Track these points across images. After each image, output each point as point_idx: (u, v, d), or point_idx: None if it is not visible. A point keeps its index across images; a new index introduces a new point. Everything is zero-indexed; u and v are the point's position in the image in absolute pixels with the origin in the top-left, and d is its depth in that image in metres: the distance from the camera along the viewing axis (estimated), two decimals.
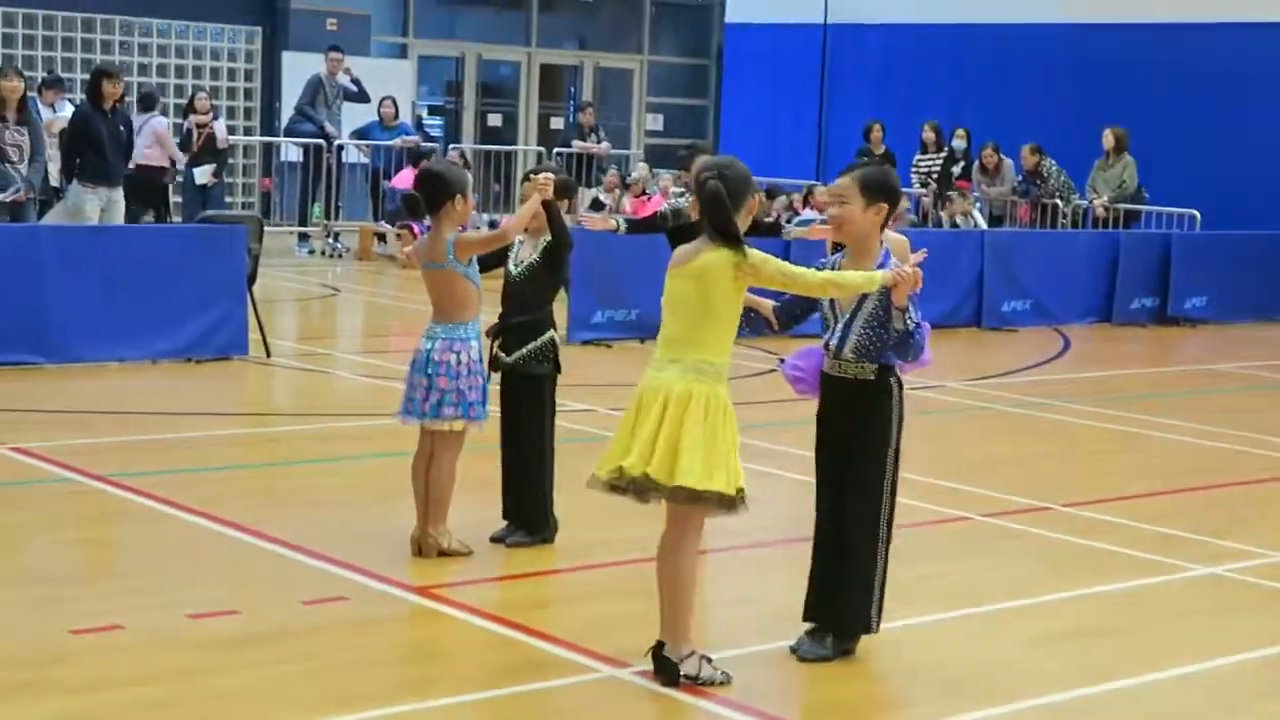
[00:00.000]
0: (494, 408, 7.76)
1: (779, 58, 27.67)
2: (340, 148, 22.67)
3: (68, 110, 17.87)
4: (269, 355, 13.23)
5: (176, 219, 20.11)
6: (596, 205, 21.61)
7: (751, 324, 6.32)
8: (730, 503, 5.87)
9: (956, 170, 21.90)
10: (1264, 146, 22.03)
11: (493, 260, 7.81)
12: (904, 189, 9.36)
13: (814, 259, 6.63)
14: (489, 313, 7.82)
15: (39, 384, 11.75)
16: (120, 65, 20.69)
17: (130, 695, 5.69)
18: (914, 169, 22.10)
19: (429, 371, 7.44)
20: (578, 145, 24.43)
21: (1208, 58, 22.64)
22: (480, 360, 7.54)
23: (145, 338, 12.63)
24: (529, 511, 7.87)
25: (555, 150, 24.86)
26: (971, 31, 25.11)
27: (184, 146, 20.52)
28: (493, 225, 19.79)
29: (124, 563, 7.70)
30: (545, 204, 7.61)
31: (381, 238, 22.21)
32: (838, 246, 6.64)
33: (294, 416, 11.65)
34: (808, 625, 6.40)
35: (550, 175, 7.66)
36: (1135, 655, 6.69)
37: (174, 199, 21.95)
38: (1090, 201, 20.86)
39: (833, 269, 6.29)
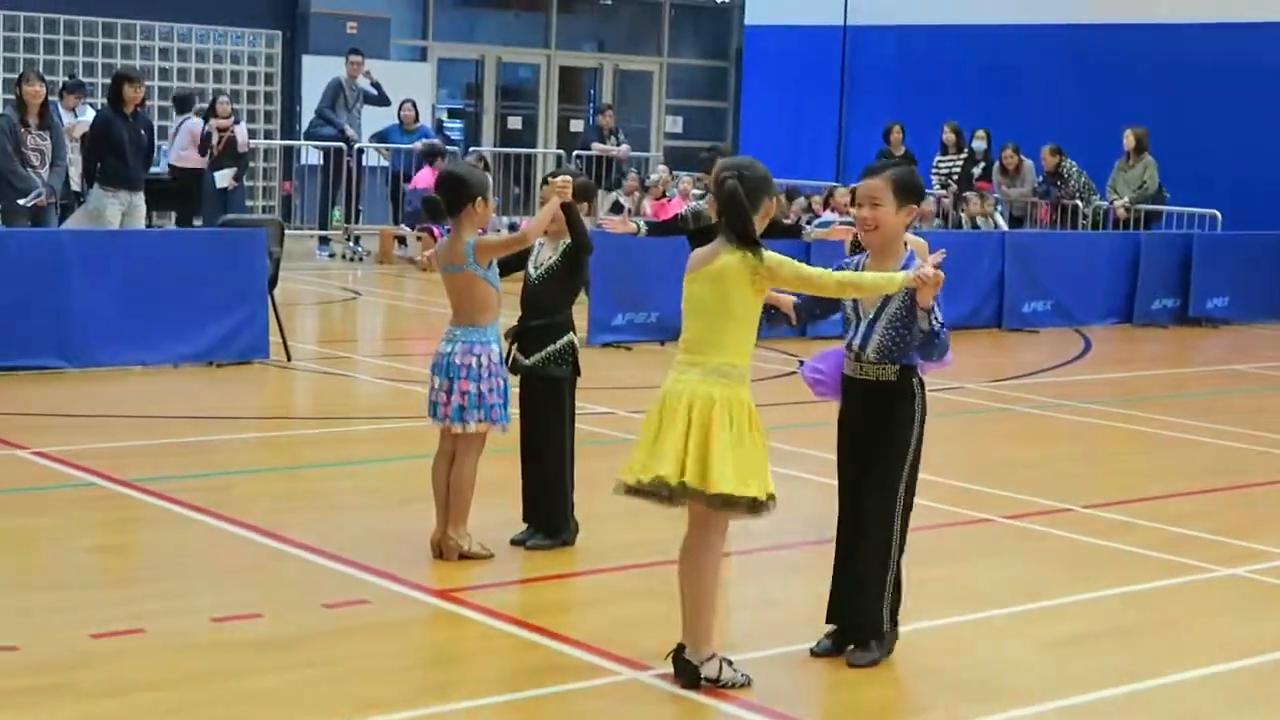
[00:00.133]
0: (514, 410, 7.77)
1: (798, 59, 27.64)
2: (360, 151, 22.71)
3: (89, 115, 17.94)
4: (290, 359, 13.25)
5: (197, 222, 20.15)
6: (616, 208, 21.61)
7: (771, 320, 6.31)
8: (760, 507, 5.87)
9: (977, 171, 21.86)
10: None
11: (513, 263, 7.81)
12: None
13: (835, 260, 6.61)
14: (509, 315, 7.83)
15: (61, 388, 11.78)
16: (141, 70, 20.71)
17: (152, 699, 5.70)
18: (934, 170, 22.06)
19: (450, 375, 7.44)
20: (597, 148, 24.43)
21: (1229, 58, 22.58)
22: (501, 362, 7.55)
23: (166, 342, 12.66)
24: (549, 514, 7.87)
25: (575, 153, 24.87)
26: (991, 32, 25.07)
27: (204, 150, 20.58)
28: (513, 228, 19.84)
29: (145, 567, 7.71)
30: (565, 207, 7.62)
31: (402, 241, 22.24)
32: (856, 248, 6.63)
33: (315, 420, 11.67)
34: (829, 628, 6.40)
35: (569, 178, 7.66)
36: (1157, 657, 6.67)
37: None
38: (1111, 202, 20.81)
39: (856, 270, 6.28)
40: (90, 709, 5.58)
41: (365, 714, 5.59)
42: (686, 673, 5.93)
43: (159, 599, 6.90)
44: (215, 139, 20.77)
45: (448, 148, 22.20)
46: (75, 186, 16.86)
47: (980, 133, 22.06)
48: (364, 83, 22.67)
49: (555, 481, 7.85)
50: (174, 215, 21.77)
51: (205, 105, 21.37)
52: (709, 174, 9.87)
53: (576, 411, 7.99)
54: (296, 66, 25.25)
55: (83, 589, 7.08)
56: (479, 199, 7.50)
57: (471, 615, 6.84)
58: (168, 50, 24.84)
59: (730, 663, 5.98)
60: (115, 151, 15.16)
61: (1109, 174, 21.07)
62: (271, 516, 8.28)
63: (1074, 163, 21.36)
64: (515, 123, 28.92)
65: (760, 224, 5.93)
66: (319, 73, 23.88)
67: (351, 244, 22.61)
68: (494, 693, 5.99)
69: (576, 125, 28.77)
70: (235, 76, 25.37)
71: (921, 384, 6.28)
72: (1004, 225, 20.59)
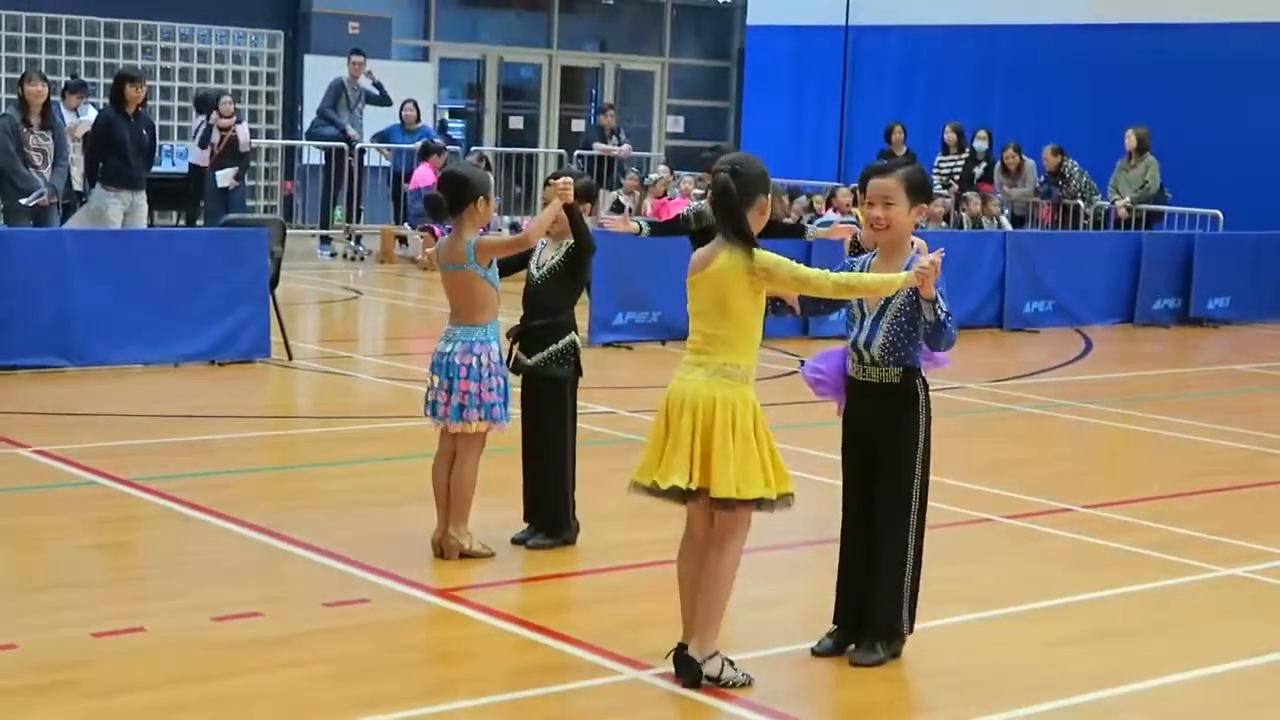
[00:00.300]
0: (515, 410, 7.78)
1: (800, 59, 27.64)
2: (362, 151, 22.72)
3: (91, 114, 17.94)
4: (291, 358, 13.26)
5: (199, 222, 20.17)
6: (617, 207, 21.61)
7: (776, 311, 6.30)
8: (767, 506, 5.88)
9: (978, 171, 21.86)
10: None
11: (514, 263, 7.82)
12: None
13: (836, 259, 6.62)
14: (511, 315, 7.83)
15: (62, 387, 11.78)
16: (143, 69, 20.72)
17: (153, 698, 5.70)
18: (936, 170, 22.05)
19: (450, 374, 7.44)
20: (599, 148, 24.44)
21: (1231, 58, 22.57)
22: (500, 362, 7.55)
23: (168, 341, 12.66)
24: (550, 514, 7.88)
25: (576, 153, 24.88)
26: (993, 32, 25.06)
27: (204, 144, 20.62)
28: (514, 228, 19.91)
29: (146, 565, 7.71)
30: (567, 208, 7.62)
31: (403, 240, 22.25)
32: (855, 249, 6.63)
33: (316, 419, 11.68)
34: (830, 627, 6.40)
35: (570, 180, 7.66)
36: (1159, 656, 6.67)
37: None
38: (1112, 202, 20.81)
39: (863, 268, 6.28)
40: (90, 708, 5.58)
41: (366, 713, 5.60)
42: (689, 669, 5.93)
43: (159, 598, 6.90)
44: (216, 138, 20.77)
45: (447, 147, 22.21)
46: (77, 186, 16.87)
47: (982, 133, 22.06)
48: (365, 83, 22.68)
49: (557, 481, 7.85)
50: (175, 215, 21.83)
51: (189, 106, 21.40)
52: (711, 174, 9.87)
53: (578, 411, 7.99)
54: (298, 66, 25.27)
55: (83, 588, 7.08)
56: (481, 198, 7.50)
57: (472, 614, 6.84)
58: (169, 50, 24.85)
59: (731, 662, 5.98)
60: (117, 151, 15.16)
61: (1110, 174, 21.07)
62: (272, 515, 8.28)
63: (1075, 163, 21.36)
64: (517, 122, 28.93)
65: (757, 221, 5.92)
66: (321, 73, 23.89)
67: (353, 243, 22.62)
68: (494, 692, 6.00)
69: (578, 125, 28.78)
70: (237, 76, 25.38)
71: (926, 385, 6.28)
72: (1008, 226, 20.58)
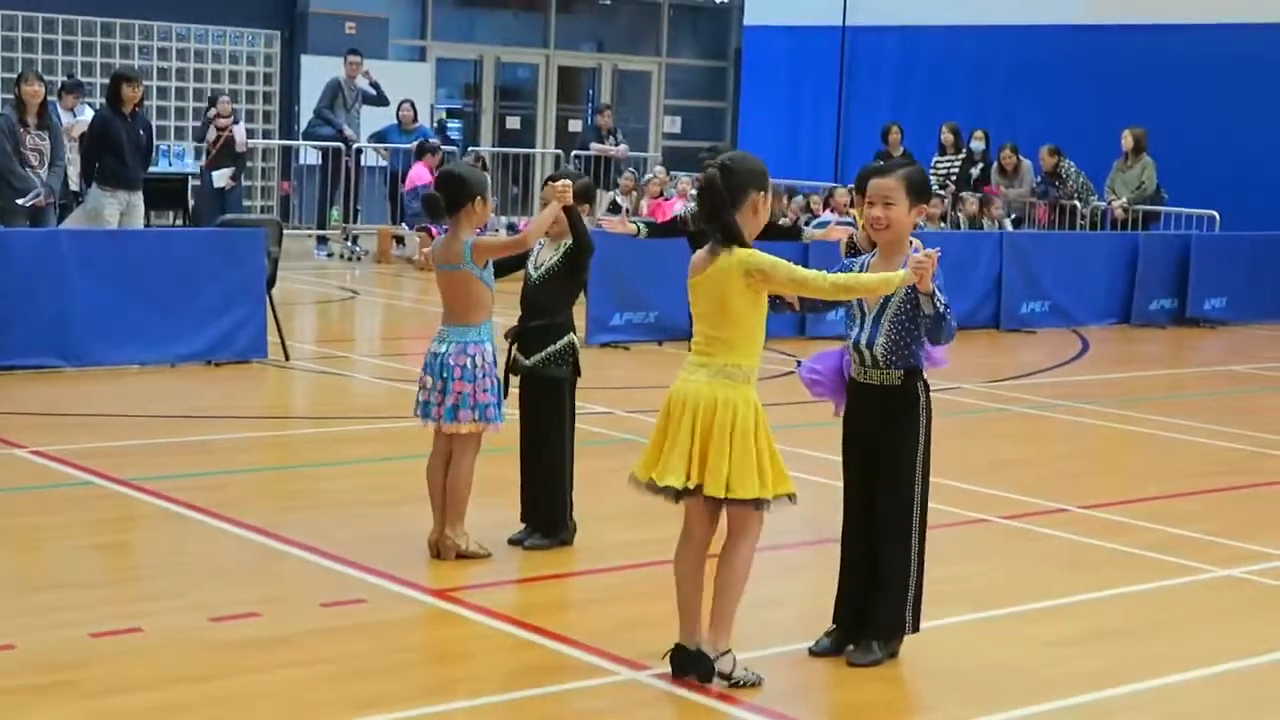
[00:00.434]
0: (513, 411, 7.78)
1: (797, 60, 27.63)
2: (359, 151, 22.72)
3: (87, 114, 17.93)
4: (288, 358, 13.26)
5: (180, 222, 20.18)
6: (614, 208, 21.61)
7: (775, 308, 6.29)
8: (766, 505, 5.88)
9: (975, 172, 21.86)
10: None
11: (511, 263, 7.82)
12: None
13: (833, 260, 6.61)
14: (509, 315, 7.83)
15: (59, 387, 11.78)
16: (139, 69, 20.73)
17: (152, 698, 5.70)
18: (933, 170, 22.04)
19: (444, 375, 7.44)
20: (596, 148, 24.43)
21: (1227, 58, 22.58)
22: (494, 362, 7.54)
23: (165, 341, 12.66)
24: (547, 514, 7.88)
25: (573, 153, 24.87)
26: (990, 33, 25.07)
27: (201, 137, 20.68)
28: (511, 228, 19.91)
29: (144, 566, 7.71)
30: (566, 209, 7.62)
31: (400, 240, 22.25)
32: (851, 250, 6.63)
33: (313, 419, 11.68)
34: (828, 627, 6.40)
35: (569, 182, 7.66)
36: (1157, 657, 6.67)
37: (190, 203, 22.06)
38: (1109, 203, 20.82)
39: (862, 269, 6.27)
40: (89, 708, 5.58)
41: (364, 713, 5.60)
42: (701, 664, 5.92)
43: (158, 598, 6.90)
44: (213, 137, 20.75)
45: (443, 147, 22.21)
46: (74, 186, 16.86)
47: (979, 133, 22.06)
48: (363, 83, 22.69)
49: (554, 482, 7.85)
50: (171, 215, 21.82)
51: (186, 106, 21.40)
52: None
53: (576, 411, 7.99)
54: (295, 66, 25.26)
55: (81, 588, 7.07)
56: (478, 199, 7.50)
57: (469, 615, 6.84)
58: (166, 50, 24.85)
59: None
60: (113, 151, 15.15)
61: (1107, 174, 21.08)
62: (269, 516, 8.28)
63: (1072, 163, 21.37)
64: (514, 123, 28.93)
65: (751, 220, 5.89)
66: (318, 73, 23.90)
67: (350, 244, 22.62)
68: (492, 692, 5.99)
69: (575, 125, 28.78)
70: (234, 76, 25.38)
71: (926, 387, 6.28)
72: (1010, 227, 20.58)
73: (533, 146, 28.21)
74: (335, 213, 22.79)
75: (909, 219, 6.22)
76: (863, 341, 6.23)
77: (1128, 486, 10.04)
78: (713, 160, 5.99)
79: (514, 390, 7.83)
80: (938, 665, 6.41)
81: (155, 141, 17.10)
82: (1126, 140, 20.79)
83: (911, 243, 6.27)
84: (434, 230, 17.06)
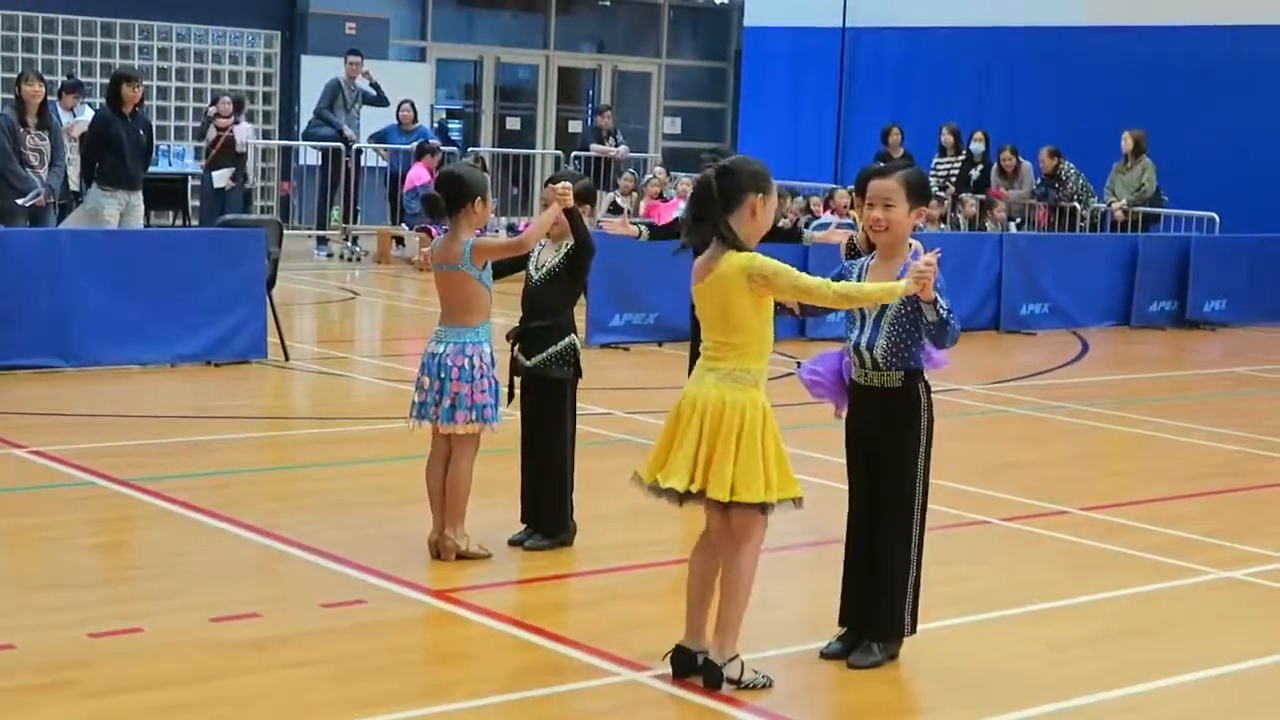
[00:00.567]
0: (513, 411, 7.78)
1: (797, 61, 27.63)
2: (359, 151, 22.72)
3: (87, 114, 17.94)
4: (288, 359, 13.26)
5: (194, 222, 20.17)
6: (615, 209, 21.61)
7: (775, 311, 6.29)
8: (770, 508, 5.88)
9: (975, 173, 21.86)
10: None
11: (511, 264, 7.82)
12: None
13: (834, 262, 6.61)
14: (510, 316, 7.83)
15: (59, 387, 11.78)
16: (139, 69, 20.72)
17: (152, 698, 5.70)
18: (933, 172, 22.04)
19: (442, 376, 7.43)
20: (596, 149, 24.43)
21: (1227, 60, 22.58)
22: (492, 363, 7.54)
23: (165, 341, 12.66)
24: (548, 515, 7.87)
25: (573, 154, 24.87)
26: (990, 35, 25.06)
27: (201, 134, 20.70)
28: (511, 229, 19.90)
29: (143, 566, 7.70)
30: (567, 211, 7.61)
31: (400, 241, 22.25)
32: (851, 252, 6.62)
33: (312, 420, 11.67)
34: (839, 630, 6.40)
35: (570, 184, 7.65)
36: (1158, 659, 6.67)
37: (193, 202, 22.09)
38: (1109, 204, 20.82)
39: (862, 271, 6.27)
40: (88, 708, 5.58)
41: (364, 713, 5.59)
42: (708, 673, 5.91)
43: (157, 598, 6.90)
44: (213, 136, 20.75)
45: (444, 148, 22.21)
46: (74, 186, 16.87)
47: (978, 134, 22.06)
48: (363, 83, 22.69)
49: (555, 482, 7.85)
50: (170, 215, 21.84)
51: (186, 106, 21.41)
52: None
53: (577, 412, 7.99)
54: (295, 67, 25.27)
55: (80, 588, 7.07)
56: (478, 199, 7.49)
57: (469, 615, 6.84)
58: (166, 50, 24.85)
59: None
60: (114, 151, 15.15)
61: (1107, 176, 21.08)
62: (269, 516, 8.28)
63: (1072, 165, 21.37)
64: (514, 123, 28.94)
65: (748, 222, 5.86)
66: (318, 73, 23.89)
67: (349, 244, 22.61)
68: (492, 693, 5.99)
69: (575, 126, 28.80)
70: (234, 77, 25.38)
71: (928, 388, 6.28)
72: (1012, 229, 20.57)
73: (533, 147, 28.21)
74: (335, 213, 22.80)
75: (909, 221, 6.21)
76: (863, 344, 6.23)
77: (1128, 488, 10.04)
78: (714, 162, 5.98)
79: (515, 391, 7.82)
80: (938, 667, 6.41)
81: (155, 141, 17.10)
82: (1126, 142, 20.78)
83: (911, 244, 6.27)
84: (434, 230, 17.05)
